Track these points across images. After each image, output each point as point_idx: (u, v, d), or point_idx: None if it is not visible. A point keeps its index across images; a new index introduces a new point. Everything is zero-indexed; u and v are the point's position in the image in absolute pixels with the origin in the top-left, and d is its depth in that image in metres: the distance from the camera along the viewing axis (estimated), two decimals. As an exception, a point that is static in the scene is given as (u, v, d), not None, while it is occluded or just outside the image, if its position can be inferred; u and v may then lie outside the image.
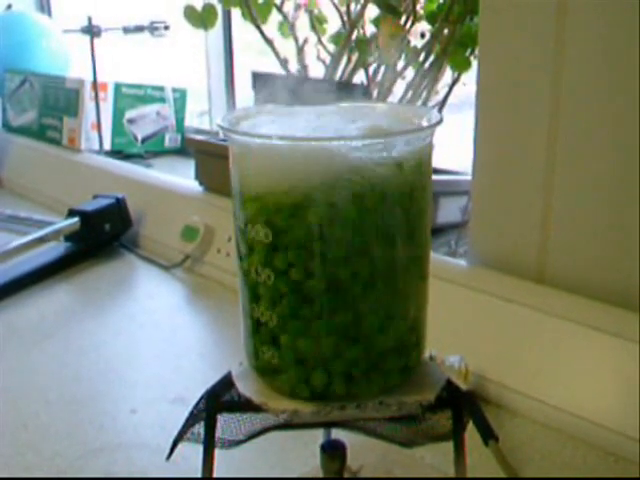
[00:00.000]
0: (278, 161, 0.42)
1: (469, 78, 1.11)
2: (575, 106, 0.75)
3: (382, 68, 1.18)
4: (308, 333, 0.44)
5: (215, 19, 1.29)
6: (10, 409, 0.77)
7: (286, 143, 0.41)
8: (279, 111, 0.49)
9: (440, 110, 1.13)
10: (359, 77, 1.20)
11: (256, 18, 1.20)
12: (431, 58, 1.13)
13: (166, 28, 1.61)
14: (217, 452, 0.48)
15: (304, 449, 0.67)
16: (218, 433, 0.48)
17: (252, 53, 1.77)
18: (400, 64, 1.15)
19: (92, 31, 1.55)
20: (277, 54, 1.20)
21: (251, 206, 0.44)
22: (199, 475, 0.48)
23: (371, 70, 1.19)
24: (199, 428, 0.48)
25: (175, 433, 0.50)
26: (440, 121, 0.44)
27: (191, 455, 0.49)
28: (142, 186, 1.30)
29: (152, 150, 1.69)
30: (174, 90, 1.71)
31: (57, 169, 1.54)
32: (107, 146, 1.61)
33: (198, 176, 1.21)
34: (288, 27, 1.24)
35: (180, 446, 0.50)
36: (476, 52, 1.03)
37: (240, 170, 0.45)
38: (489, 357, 0.76)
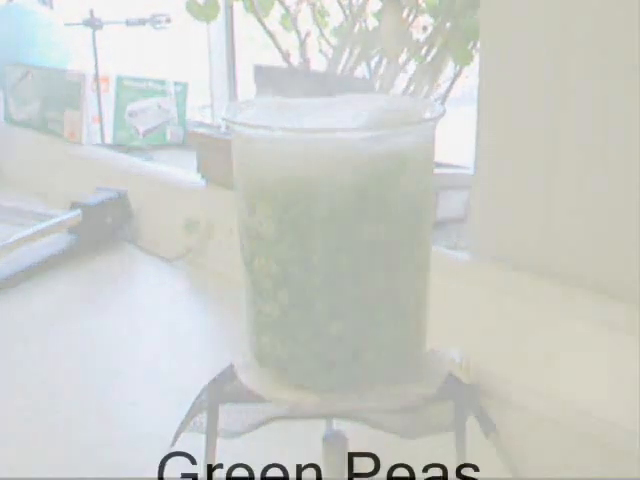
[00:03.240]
0: (281, 153, 0.42)
1: (470, 71, 1.11)
2: (578, 98, 0.75)
3: (384, 61, 1.18)
4: (310, 324, 0.44)
5: (217, 12, 1.29)
6: (10, 401, 0.77)
7: (289, 135, 0.41)
8: (281, 103, 0.49)
9: (441, 104, 1.13)
10: (361, 70, 1.20)
11: (258, 11, 1.20)
12: (433, 51, 1.13)
13: (168, 21, 1.61)
14: (218, 442, 0.48)
15: (305, 441, 0.67)
16: (220, 423, 0.48)
17: (254, 46, 1.77)
18: (402, 57, 1.15)
19: (94, 24, 1.55)
20: (279, 47, 1.20)
21: (254, 197, 0.44)
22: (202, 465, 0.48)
23: (373, 63, 1.19)
24: (202, 418, 0.49)
25: (175, 425, 0.50)
26: (443, 113, 0.44)
27: (193, 445, 0.49)
28: (144, 179, 1.30)
29: (154, 143, 1.69)
30: (176, 83, 1.70)
31: (59, 162, 1.54)
32: (109, 139, 1.61)
33: (200, 169, 1.21)
34: (290, 20, 1.24)
35: (182, 436, 0.51)
36: (478, 45, 1.03)
37: (243, 161, 0.45)
38: (489, 350, 0.76)
